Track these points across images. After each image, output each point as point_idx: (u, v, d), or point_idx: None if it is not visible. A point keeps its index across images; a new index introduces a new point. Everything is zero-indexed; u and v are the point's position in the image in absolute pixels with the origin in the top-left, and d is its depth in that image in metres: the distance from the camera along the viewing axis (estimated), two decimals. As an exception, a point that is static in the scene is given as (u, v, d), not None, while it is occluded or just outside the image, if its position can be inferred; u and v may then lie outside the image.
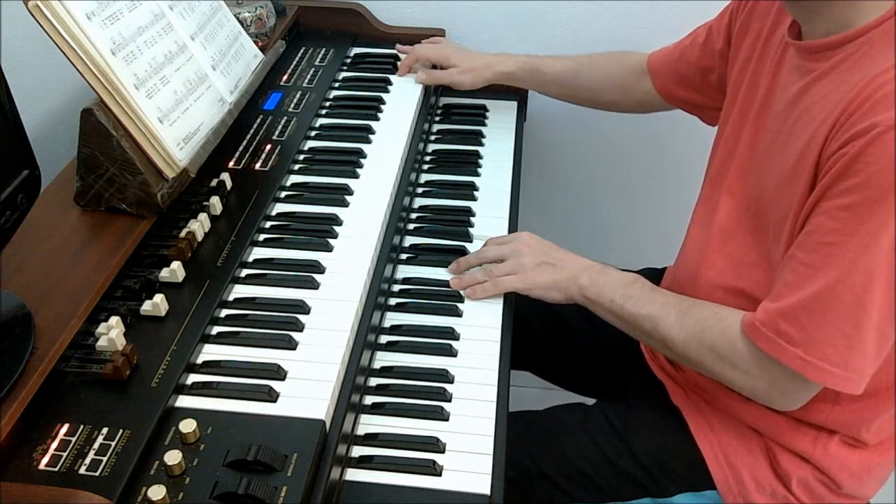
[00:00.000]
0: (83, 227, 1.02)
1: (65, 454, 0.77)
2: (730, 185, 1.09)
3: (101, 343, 0.86)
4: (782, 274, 0.93)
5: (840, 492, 1.07)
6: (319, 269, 1.05)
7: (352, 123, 1.36)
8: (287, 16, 1.57)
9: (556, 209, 1.85)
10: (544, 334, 1.35)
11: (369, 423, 0.96)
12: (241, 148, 1.23)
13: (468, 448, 0.93)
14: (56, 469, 0.75)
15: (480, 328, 1.09)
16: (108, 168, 1.01)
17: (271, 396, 0.87)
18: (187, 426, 0.80)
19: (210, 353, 0.92)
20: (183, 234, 1.02)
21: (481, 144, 1.48)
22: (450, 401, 0.99)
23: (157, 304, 0.92)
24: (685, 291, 1.12)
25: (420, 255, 1.21)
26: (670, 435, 1.13)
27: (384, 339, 1.08)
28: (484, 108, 1.58)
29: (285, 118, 1.32)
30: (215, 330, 0.95)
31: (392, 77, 1.50)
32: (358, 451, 0.93)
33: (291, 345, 0.94)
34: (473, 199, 1.34)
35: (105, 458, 0.76)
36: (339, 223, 1.13)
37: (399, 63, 1.53)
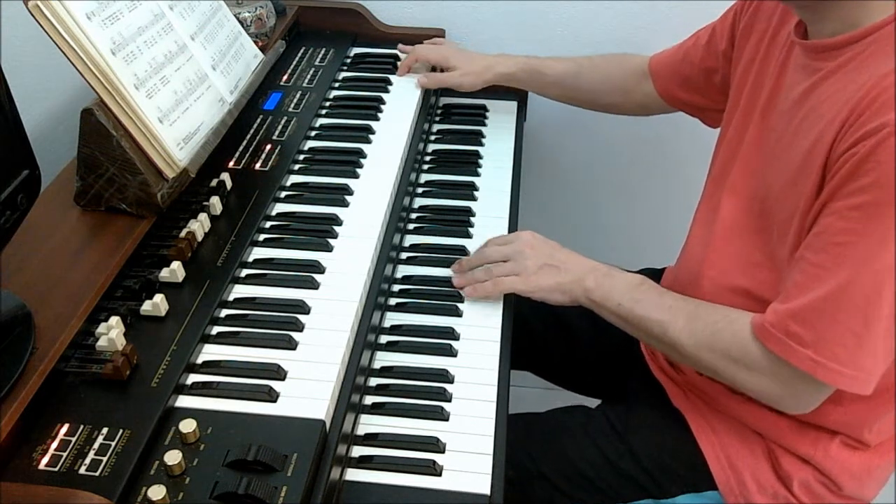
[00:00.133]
0: (83, 227, 1.02)
1: (65, 454, 0.77)
2: (733, 184, 1.08)
3: (101, 343, 0.86)
4: (791, 275, 0.92)
5: (841, 493, 1.07)
6: (319, 269, 1.05)
7: (352, 123, 1.36)
8: (287, 16, 1.57)
9: (556, 209, 1.85)
10: (544, 334, 1.35)
11: (369, 423, 0.96)
12: (241, 148, 1.23)
13: (468, 448, 0.93)
14: (56, 469, 0.75)
15: (480, 328, 1.09)
16: (108, 168, 1.01)
17: (271, 396, 0.87)
18: (187, 426, 0.80)
19: (210, 353, 0.92)
20: (183, 234, 1.02)
21: (481, 144, 1.48)
22: (450, 401, 0.99)
23: (157, 304, 0.92)
24: (687, 291, 1.11)
25: (420, 255, 1.21)
26: (671, 436, 1.13)
27: (384, 339, 1.08)
28: (484, 108, 1.58)
29: (285, 118, 1.32)
30: (215, 330, 0.95)
31: (392, 77, 1.50)
32: (358, 451, 0.93)
33: (291, 345, 0.94)
34: (473, 199, 1.33)
35: (105, 458, 0.76)
36: (339, 223, 1.13)
37: (399, 63, 1.53)
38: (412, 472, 0.90)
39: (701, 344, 0.99)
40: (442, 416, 0.96)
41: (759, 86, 1.08)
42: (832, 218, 0.87)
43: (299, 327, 0.96)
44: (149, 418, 0.81)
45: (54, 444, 0.78)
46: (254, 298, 1.00)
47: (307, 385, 0.89)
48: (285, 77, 1.45)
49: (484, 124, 1.54)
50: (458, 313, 1.11)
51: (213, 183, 1.11)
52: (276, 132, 1.28)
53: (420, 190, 1.35)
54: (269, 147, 1.24)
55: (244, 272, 1.04)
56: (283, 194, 1.18)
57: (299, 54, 1.53)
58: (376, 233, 1.12)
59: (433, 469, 0.90)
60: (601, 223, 1.87)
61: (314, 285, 1.03)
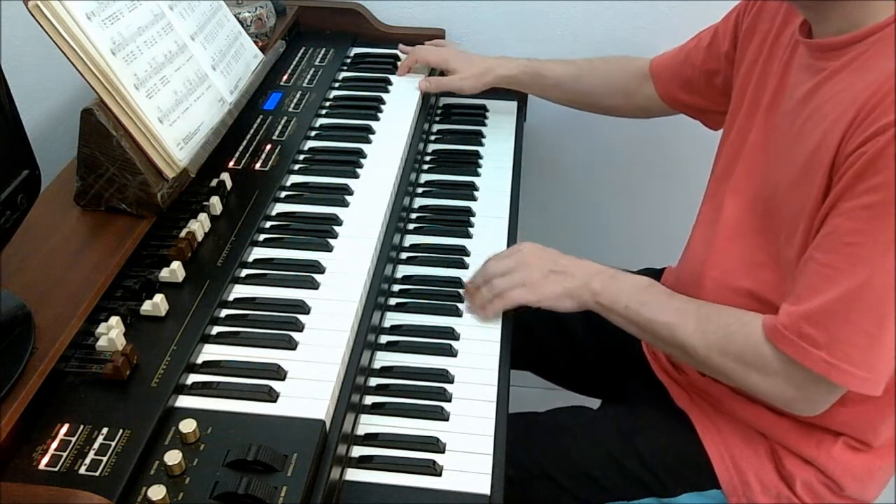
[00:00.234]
0: (83, 227, 1.02)
1: (65, 454, 0.77)
2: (736, 185, 1.08)
3: (101, 343, 0.86)
4: (802, 276, 0.91)
5: (843, 494, 1.07)
6: (319, 269, 1.05)
7: (352, 123, 1.36)
8: (287, 16, 1.57)
9: (556, 209, 1.85)
10: (544, 334, 1.35)
11: (369, 423, 0.96)
12: (241, 148, 1.23)
13: (468, 448, 0.93)
14: (56, 469, 0.75)
15: (480, 328, 1.09)
16: (108, 168, 1.01)
17: (271, 396, 0.87)
18: (187, 426, 0.80)
19: (210, 353, 0.92)
20: (183, 234, 1.02)
21: (481, 144, 1.48)
22: (450, 401, 0.99)
23: (157, 304, 0.92)
24: (688, 292, 1.11)
25: (420, 255, 1.21)
26: (675, 435, 1.13)
27: (384, 339, 1.08)
28: (484, 108, 1.58)
29: (285, 118, 1.32)
30: (215, 330, 0.95)
31: (392, 77, 1.50)
32: (358, 451, 0.93)
33: (291, 345, 0.94)
34: (473, 199, 1.33)
35: (105, 458, 0.76)
36: (339, 223, 1.13)
37: (399, 63, 1.53)
38: (412, 472, 0.90)
39: (712, 347, 0.98)
40: (442, 416, 0.96)
41: (762, 86, 1.08)
42: (842, 218, 0.86)
43: (299, 327, 0.96)
44: (149, 418, 0.81)
45: (54, 444, 0.78)
46: (254, 298, 1.00)
47: (307, 385, 0.89)
48: (285, 77, 1.45)
49: (484, 124, 1.54)
50: (458, 313, 1.11)
51: (213, 183, 1.11)
52: (276, 132, 1.28)
53: (420, 190, 1.35)
54: (269, 147, 1.24)
55: (244, 272, 1.04)
56: (283, 194, 1.18)
57: (299, 54, 1.53)
58: (376, 233, 1.12)
59: (433, 469, 0.90)
60: (601, 223, 1.87)
61: (314, 285, 1.03)
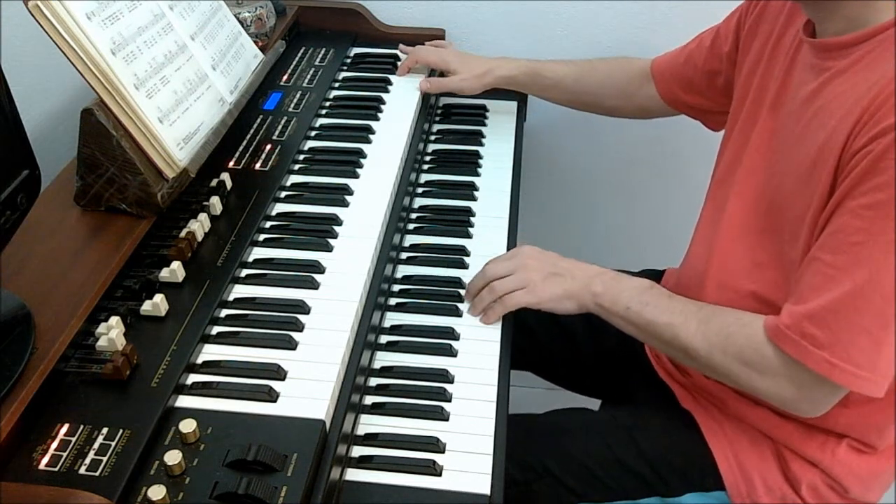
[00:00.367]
0: (83, 227, 1.02)
1: (65, 454, 0.77)
2: (738, 185, 1.08)
3: (101, 343, 0.86)
4: (805, 275, 0.91)
5: (847, 496, 1.07)
6: (319, 269, 1.05)
7: (352, 123, 1.36)
8: (287, 16, 1.57)
9: (556, 209, 1.85)
10: (545, 336, 1.35)
11: (369, 423, 0.96)
12: (241, 148, 1.23)
13: (468, 448, 0.93)
14: (56, 469, 0.75)
15: (480, 328, 1.09)
16: (108, 168, 1.01)
17: (271, 396, 0.87)
18: (187, 426, 0.80)
19: (210, 353, 0.92)
20: (183, 234, 1.02)
21: (481, 144, 1.48)
22: (450, 401, 0.99)
23: (157, 304, 0.92)
24: (690, 293, 1.11)
25: (420, 255, 1.21)
26: (679, 435, 1.12)
27: (384, 339, 1.08)
28: (484, 108, 1.58)
29: (285, 118, 1.32)
30: (215, 330, 0.95)
31: (392, 77, 1.50)
32: (358, 451, 0.93)
33: (291, 345, 0.94)
34: (473, 199, 1.33)
35: (105, 458, 0.76)
36: (339, 223, 1.13)
37: (399, 63, 1.53)
38: (412, 472, 0.90)
39: (714, 347, 0.98)
40: (442, 416, 0.96)
41: (764, 86, 1.08)
42: (847, 217, 0.86)
43: (299, 327, 0.96)
44: (149, 418, 0.81)
45: (54, 444, 0.77)
46: (254, 298, 1.00)
47: (307, 385, 0.89)
48: (285, 77, 1.45)
49: (484, 124, 1.54)
50: (458, 313, 1.11)
51: (213, 183, 1.11)
52: (276, 132, 1.28)
53: (420, 190, 1.35)
54: (269, 147, 1.24)
55: (244, 272, 1.04)
56: (283, 194, 1.18)
57: (299, 54, 1.53)
58: (376, 233, 1.12)
59: (433, 469, 0.90)
60: (601, 224, 1.87)
61: (314, 285, 1.03)
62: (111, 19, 1.01)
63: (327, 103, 1.41)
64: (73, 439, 0.78)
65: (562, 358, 1.37)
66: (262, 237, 1.10)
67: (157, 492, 0.74)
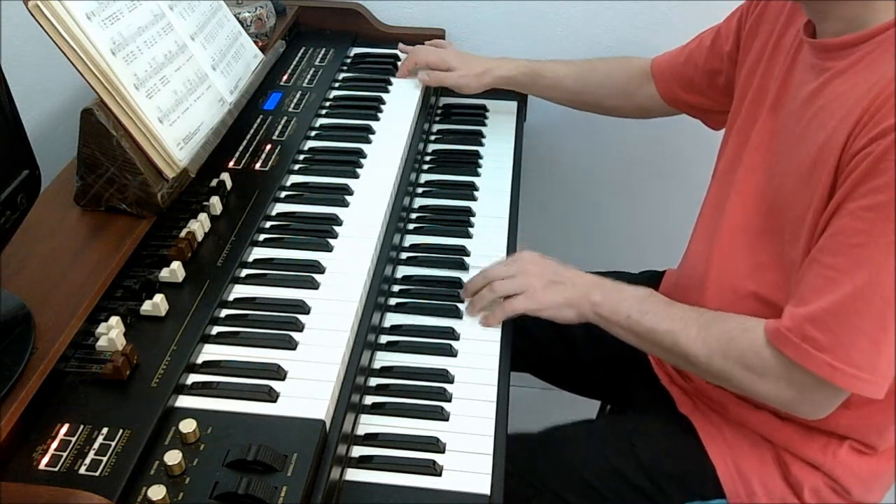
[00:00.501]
0: (83, 227, 1.02)
1: (65, 454, 0.77)
2: (738, 185, 1.07)
3: (101, 343, 0.86)
4: (806, 277, 0.91)
5: (848, 497, 1.07)
6: (319, 269, 1.05)
7: (352, 123, 1.36)
8: (287, 16, 1.57)
9: (557, 210, 1.85)
10: (545, 341, 1.34)
11: (369, 423, 0.96)
12: (241, 148, 1.23)
13: (468, 448, 0.93)
14: (56, 469, 0.75)
15: (480, 328, 1.09)
16: (108, 168, 1.01)
17: (271, 396, 0.87)
18: (187, 426, 0.80)
19: (210, 353, 0.92)
20: (183, 234, 1.02)
21: (481, 144, 1.48)
22: (450, 401, 0.99)
23: (157, 304, 0.92)
24: (690, 294, 1.11)
25: (420, 255, 1.21)
26: (678, 444, 1.12)
27: (384, 339, 1.08)
28: (484, 108, 1.58)
29: (285, 118, 1.32)
30: (215, 330, 0.95)
31: (392, 77, 1.50)
32: (358, 451, 0.93)
33: (291, 345, 0.94)
34: (473, 199, 1.33)
35: (105, 458, 0.76)
36: (339, 223, 1.13)
37: (399, 64, 1.53)
38: (412, 472, 0.90)
39: (714, 352, 0.98)
40: (442, 416, 0.96)
41: (764, 86, 1.08)
42: (847, 219, 0.86)
43: (299, 327, 0.96)
44: (149, 418, 0.81)
45: (54, 444, 0.77)
46: (254, 298, 1.00)
47: (307, 385, 0.89)
48: (285, 77, 1.45)
49: (484, 124, 1.54)
50: (458, 313, 1.11)
51: (213, 183, 1.11)
52: (276, 132, 1.28)
53: (420, 190, 1.35)
54: (269, 147, 1.24)
55: (244, 272, 1.04)
56: (283, 194, 1.18)
57: (299, 54, 1.53)
58: (376, 233, 1.12)
59: (433, 469, 0.90)
60: (602, 224, 1.87)
61: (314, 285, 1.03)
62: (111, 19, 1.01)
63: (327, 103, 1.41)
64: (73, 439, 0.78)
65: (562, 360, 1.37)
66: (262, 237, 1.10)
67: (157, 492, 0.74)
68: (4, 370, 0.80)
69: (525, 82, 1.46)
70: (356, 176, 1.23)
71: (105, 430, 0.79)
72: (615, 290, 1.07)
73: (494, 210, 1.31)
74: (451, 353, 1.05)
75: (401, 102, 1.42)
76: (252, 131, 1.28)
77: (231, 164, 1.19)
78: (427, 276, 1.17)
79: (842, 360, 0.87)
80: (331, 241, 1.10)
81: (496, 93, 1.52)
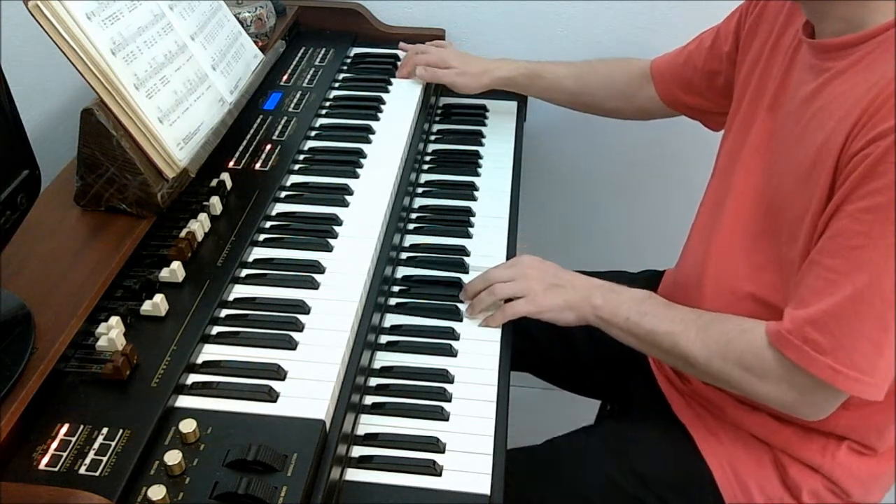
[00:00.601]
0: (83, 227, 1.02)
1: (65, 454, 0.77)
2: (737, 186, 1.07)
3: (101, 343, 0.86)
4: (806, 279, 0.91)
5: (848, 499, 1.07)
6: (319, 269, 1.05)
7: (352, 123, 1.36)
8: (287, 16, 1.57)
9: (556, 210, 1.85)
10: (544, 339, 1.34)
11: (369, 423, 0.96)
12: (241, 148, 1.23)
13: (468, 448, 0.93)
14: (56, 469, 0.75)
15: (480, 328, 1.09)
16: (108, 168, 1.01)
17: (271, 396, 0.87)
18: (187, 426, 0.80)
19: (210, 353, 0.92)
20: (183, 234, 1.02)
21: (481, 144, 1.48)
22: (450, 401, 0.99)
23: (157, 304, 0.92)
24: (688, 294, 1.11)
25: (420, 256, 1.21)
26: (676, 451, 1.12)
27: (384, 339, 1.08)
28: (484, 108, 1.58)
29: (285, 118, 1.32)
30: (215, 330, 0.95)
31: (392, 77, 1.50)
32: (358, 451, 0.93)
33: (291, 345, 0.94)
34: (473, 199, 1.33)
35: (105, 458, 0.76)
36: (339, 223, 1.13)
37: (399, 64, 1.53)
38: (412, 472, 0.90)
39: (713, 354, 0.97)
40: (442, 416, 0.96)
41: (762, 86, 1.08)
42: (846, 221, 0.86)
43: (299, 327, 0.96)
44: (149, 418, 0.81)
45: (54, 444, 0.77)
46: (254, 298, 1.00)
47: (307, 385, 0.89)
48: (285, 77, 1.45)
49: (484, 124, 1.54)
50: (457, 313, 1.11)
51: (213, 183, 1.11)
52: (276, 132, 1.28)
53: (420, 190, 1.35)
54: (269, 147, 1.24)
55: (244, 272, 1.04)
56: (283, 194, 1.18)
57: (299, 54, 1.53)
58: (376, 233, 1.12)
59: (433, 469, 0.90)
60: (601, 224, 1.87)
61: (314, 285, 1.03)
62: (111, 19, 1.01)
63: (327, 103, 1.41)
64: (73, 439, 0.78)
65: (562, 360, 1.37)
66: (262, 237, 1.10)
67: (157, 492, 0.74)
68: (4, 370, 0.80)
69: (524, 83, 1.46)
70: (356, 176, 1.23)
71: (105, 430, 0.79)
72: (614, 293, 1.08)
73: (494, 210, 1.31)
74: (451, 353, 1.05)
75: (401, 102, 1.42)
76: (252, 131, 1.28)
77: (231, 164, 1.19)
78: (427, 277, 1.17)
79: (843, 363, 0.87)
80: (331, 241, 1.10)
81: (496, 93, 1.52)
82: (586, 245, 1.87)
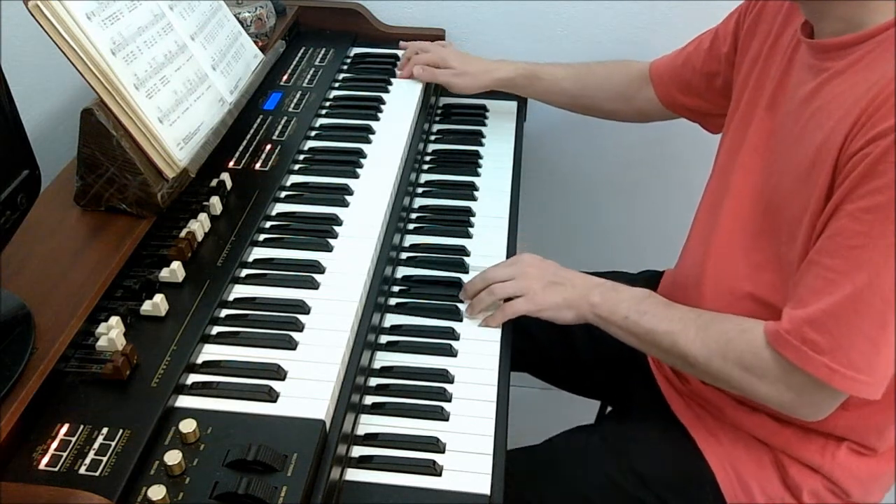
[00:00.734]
0: (83, 227, 1.02)
1: (65, 454, 0.77)
2: (735, 185, 1.07)
3: (101, 343, 0.86)
4: (804, 279, 0.91)
5: (848, 499, 1.07)
6: (319, 269, 1.05)
7: (352, 123, 1.36)
8: (287, 16, 1.57)
9: (556, 210, 1.85)
10: (544, 338, 1.34)
11: (369, 423, 0.96)
12: (241, 148, 1.23)
13: (468, 448, 0.93)
14: (56, 469, 0.75)
15: (480, 328, 1.09)
16: (108, 168, 1.01)
17: (271, 396, 0.87)
18: (187, 426, 0.80)
19: (210, 353, 0.92)
20: (183, 234, 1.02)
21: (481, 144, 1.48)
22: (450, 401, 0.99)
23: (157, 304, 0.92)
24: (688, 294, 1.11)
25: (420, 256, 1.21)
26: (676, 451, 1.12)
27: (384, 339, 1.08)
28: (484, 108, 1.58)
29: (285, 118, 1.32)
30: (215, 330, 0.95)
31: (392, 77, 1.50)
32: (358, 451, 0.93)
33: (291, 345, 0.94)
34: (473, 199, 1.33)
35: (105, 458, 0.76)
36: (339, 223, 1.13)
37: (399, 64, 1.53)
38: (412, 472, 0.90)
39: (713, 353, 0.97)
40: (442, 416, 0.96)
41: (761, 86, 1.08)
42: (846, 220, 0.85)
43: (299, 327, 0.96)
44: (149, 418, 0.81)
45: (54, 444, 0.77)
46: (254, 298, 1.00)
47: (307, 385, 0.89)
48: (285, 77, 1.45)
49: (484, 124, 1.54)
50: (457, 313, 1.11)
51: (213, 183, 1.11)
52: (276, 132, 1.28)
53: (420, 190, 1.35)
54: (269, 147, 1.24)
55: (244, 272, 1.04)
56: (283, 194, 1.18)
57: (299, 54, 1.53)
58: (376, 233, 1.12)
59: (433, 469, 0.90)
60: (601, 224, 1.87)
61: (314, 285, 1.03)
62: (111, 19, 1.01)
63: (327, 103, 1.41)
64: (73, 439, 0.78)
65: (561, 360, 1.37)
66: (262, 237, 1.10)
67: (157, 492, 0.74)
68: (4, 370, 0.80)
69: (523, 84, 1.46)
70: (356, 176, 1.23)
71: (105, 430, 0.79)
72: (614, 291, 1.08)
73: (494, 210, 1.31)
74: (451, 353, 1.05)
75: (401, 102, 1.42)
76: (252, 131, 1.28)
77: (231, 164, 1.19)
78: (427, 277, 1.17)
79: (841, 362, 0.87)
80: (331, 241, 1.10)
81: (496, 93, 1.52)
82: (586, 245, 1.87)
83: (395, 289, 1.16)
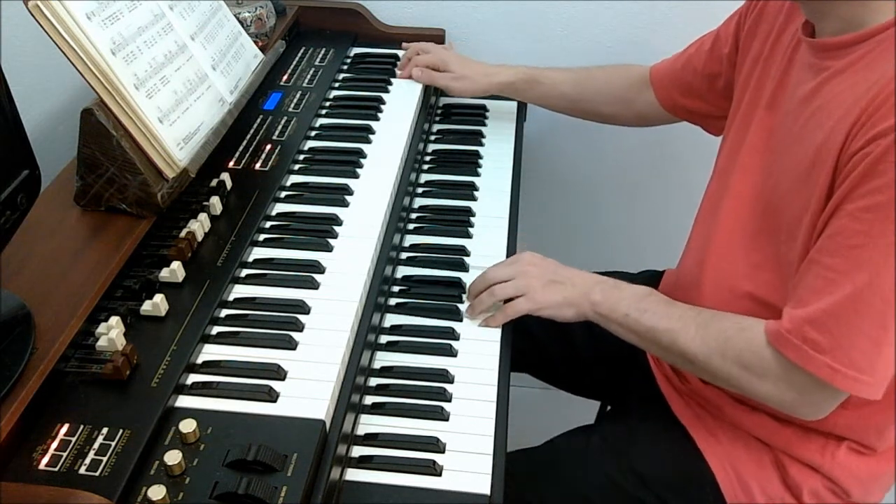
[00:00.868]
0: (83, 227, 1.02)
1: (65, 454, 0.77)
2: (735, 185, 1.07)
3: (101, 343, 0.86)
4: (805, 278, 0.91)
5: (848, 499, 1.07)
6: (319, 269, 1.05)
7: (352, 123, 1.36)
8: (287, 16, 1.57)
9: (556, 210, 1.85)
10: (544, 338, 1.34)
11: (369, 423, 0.96)
12: (241, 148, 1.23)
13: (468, 448, 0.93)
14: (56, 469, 0.75)
15: (480, 328, 1.09)
16: (108, 168, 1.01)
17: (271, 396, 0.87)
18: (187, 426, 0.80)
19: (210, 353, 0.92)
20: (183, 234, 1.02)
21: (481, 144, 1.48)
22: (450, 401, 0.99)
23: (157, 304, 0.92)
24: (688, 294, 1.11)
25: (420, 255, 1.21)
26: (675, 451, 1.12)
27: (384, 339, 1.08)
28: (484, 108, 1.58)
29: (285, 118, 1.32)
30: (215, 330, 0.95)
31: (392, 77, 1.50)
32: (358, 451, 0.93)
33: (291, 345, 0.94)
34: (473, 199, 1.33)
35: (105, 458, 0.76)
36: (339, 223, 1.13)
37: (399, 64, 1.53)
38: (412, 472, 0.90)
39: (713, 351, 0.97)
40: (442, 416, 0.96)
41: (761, 85, 1.08)
42: (846, 220, 0.85)
43: (299, 327, 0.96)
44: (149, 418, 0.81)
45: (54, 444, 0.77)
46: (254, 298, 1.00)
47: (307, 385, 0.89)
48: (285, 77, 1.45)
49: (484, 124, 1.54)
50: (457, 313, 1.11)
51: (213, 183, 1.11)
52: (276, 132, 1.28)
53: (420, 190, 1.35)
54: (269, 147, 1.24)
55: (244, 272, 1.04)
56: (283, 194, 1.18)
57: (299, 54, 1.53)
58: (376, 233, 1.12)
59: (433, 469, 0.90)
60: (602, 224, 1.87)
61: (314, 285, 1.03)
62: (111, 19, 1.01)
63: (327, 103, 1.41)
64: (73, 439, 0.78)
65: (561, 359, 1.37)
66: (262, 237, 1.10)
67: (157, 492, 0.74)
68: (4, 370, 0.80)
69: (523, 88, 1.46)
70: (356, 176, 1.23)
71: (105, 430, 0.79)
72: (614, 289, 1.07)
73: (494, 210, 1.31)
74: (451, 353, 1.05)
75: (401, 102, 1.43)
76: (252, 131, 1.28)
77: (231, 164, 1.19)
78: (427, 277, 1.17)
79: (842, 362, 0.87)
80: (331, 241, 1.10)
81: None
82: (586, 245, 1.87)
83: (395, 289, 1.16)
